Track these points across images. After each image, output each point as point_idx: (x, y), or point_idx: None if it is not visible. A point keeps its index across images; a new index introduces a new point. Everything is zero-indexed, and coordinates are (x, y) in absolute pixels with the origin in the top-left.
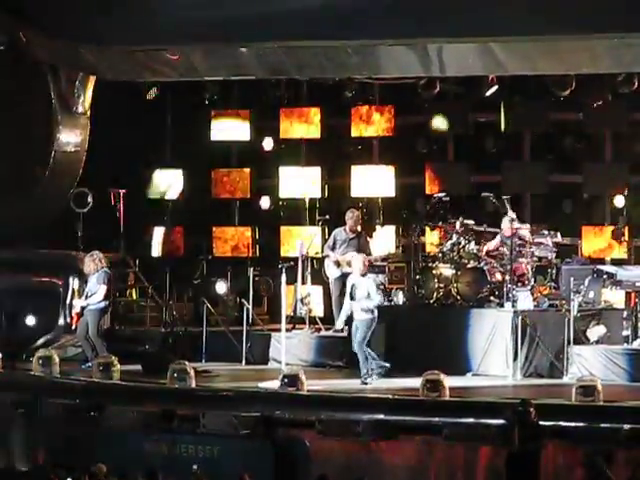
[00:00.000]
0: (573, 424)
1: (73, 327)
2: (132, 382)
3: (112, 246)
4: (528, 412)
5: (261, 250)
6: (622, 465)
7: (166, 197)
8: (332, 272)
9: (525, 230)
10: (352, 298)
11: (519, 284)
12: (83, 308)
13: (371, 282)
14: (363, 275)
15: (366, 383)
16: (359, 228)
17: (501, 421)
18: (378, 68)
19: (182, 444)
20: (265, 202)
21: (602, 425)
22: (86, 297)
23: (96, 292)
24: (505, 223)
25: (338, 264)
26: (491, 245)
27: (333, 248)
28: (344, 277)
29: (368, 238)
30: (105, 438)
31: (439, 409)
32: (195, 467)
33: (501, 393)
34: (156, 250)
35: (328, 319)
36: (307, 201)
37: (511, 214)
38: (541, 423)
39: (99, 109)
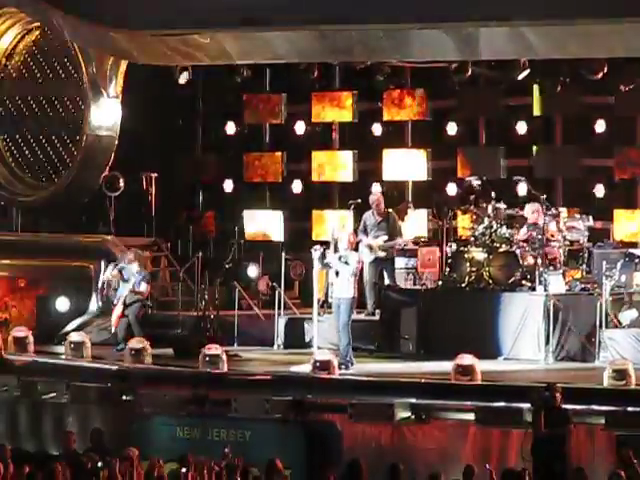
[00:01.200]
0: (605, 408)
1: (113, 330)
2: (164, 366)
3: (144, 230)
4: (554, 396)
5: (292, 234)
6: None
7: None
8: (366, 256)
9: (554, 215)
10: (337, 275)
11: (551, 268)
12: (125, 306)
13: (357, 261)
14: (347, 254)
15: (347, 368)
16: (385, 209)
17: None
18: (410, 52)
19: (214, 428)
20: (297, 186)
21: (634, 409)
22: (127, 294)
23: (140, 290)
24: (530, 208)
25: (371, 248)
26: (521, 234)
27: (365, 232)
28: (378, 261)
29: (398, 219)
30: (137, 422)
31: (470, 393)
32: (227, 449)
33: (533, 377)
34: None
35: (358, 303)
36: (339, 185)
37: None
38: (571, 407)
39: (131, 93)
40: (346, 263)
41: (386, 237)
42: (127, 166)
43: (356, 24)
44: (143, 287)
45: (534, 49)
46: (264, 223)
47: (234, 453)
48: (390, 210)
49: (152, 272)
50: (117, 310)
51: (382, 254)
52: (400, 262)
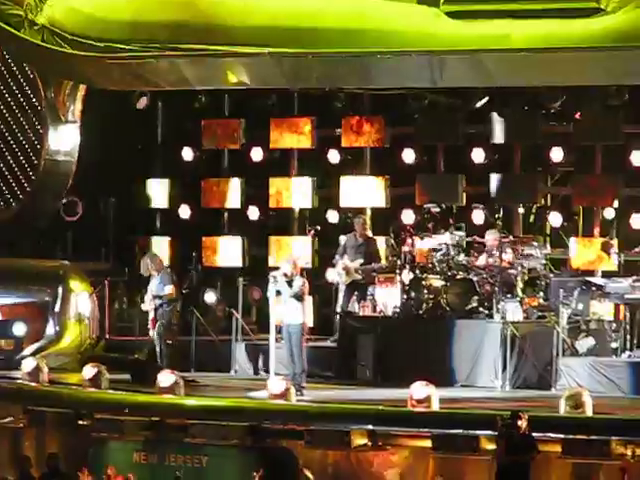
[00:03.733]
0: (561, 436)
1: (151, 332)
2: (121, 391)
3: (101, 255)
4: (516, 424)
5: (250, 260)
6: (611, 477)
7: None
8: (341, 280)
9: (511, 243)
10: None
11: (508, 295)
12: (157, 310)
13: (301, 284)
14: (293, 277)
15: (302, 394)
16: (369, 233)
17: (490, 432)
18: (369, 79)
19: (171, 454)
20: (254, 212)
21: (590, 437)
22: (154, 298)
23: (166, 292)
24: (490, 235)
25: (347, 271)
26: (480, 261)
27: (343, 255)
28: (353, 285)
29: (377, 245)
30: (94, 447)
31: (427, 420)
32: (178, 473)
33: (490, 404)
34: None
35: (318, 329)
36: (297, 211)
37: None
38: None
39: (89, 118)
40: (289, 285)
41: (362, 261)
42: (85, 191)
43: (315, 50)
44: (167, 289)
45: (493, 77)
46: (222, 249)
47: (191, 479)
48: (370, 234)
49: (109, 297)
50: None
51: (358, 277)
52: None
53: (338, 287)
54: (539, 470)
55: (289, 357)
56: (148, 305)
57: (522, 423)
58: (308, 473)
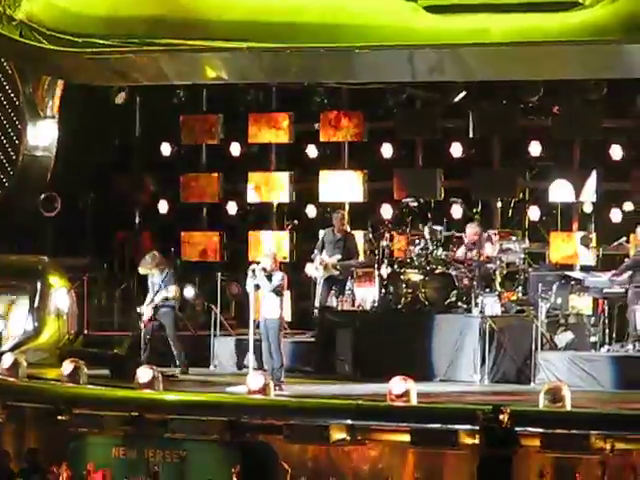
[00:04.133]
0: (541, 430)
1: (143, 331)
2: (100, 386)
3: (79, 250)
4: (498, 418)
5: (229, 255)
6: (591, 471)
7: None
8: (319, 274)
9: (490, 237)
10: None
11: (487, 289)
12: (156, 309)
13: (280, 279)
14: (272, 272)
15: (282, 389)
16: (347, 228)
17: (469, 427)
18: (347, 73)
19: (150, 448)
20: (232, 207)
21: (569, 431)
22: (152, 300)
23: (168, 293)
24: (470, 229)
25: (325, 266)
26: (459, 253)
27: (322, 250)
28: (330, 280)
29: (355, 240)
30: (73, 442)
31: (406, 415)
32: (157, 468)
33: (469, 399)
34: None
35: (296, 324)
36: (275, 206)
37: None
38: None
39: (68, 113)
40: (269, 279)
41: (340, 256)
42: (64, 186)
43: (293, 45)
44: (172, 290)
45: (472, 71)
46: (201, 244)
47: (170, 473)
48: (349, 230)
49: (88, 293)
50: (147, 312)
51: (336, 273)
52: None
53: (317, 282)
54: (518, 464)
55: (267, 352)
56: (147, 305)
57: (504, 417)
58: (285, 465)
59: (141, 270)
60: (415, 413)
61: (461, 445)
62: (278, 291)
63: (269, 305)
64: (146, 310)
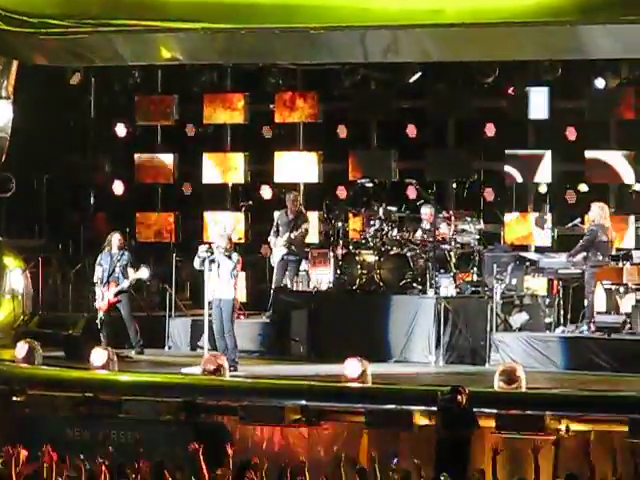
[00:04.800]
0: (495, 411)
1: (102, 313)
2: (55, 367)
3: (34, 231)
4: (456, 399)
5: (184, 236)
6: (545, 452)
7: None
8: (274, 256)
9: (445, 218)
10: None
11: (442, 270)
12: (119, 293)
13: (235, 260)
14: (228, 252)
15: (236, 369)
16: (300, 209)
17: (424, 408)
18: (302, 54)
19: (104, 429)
20: (187, 188)
21: (524, 412)
22: (117, 281)
23: (129, 274)
24: (425, 210)
25: (283, 246)
26: (417, 235)
27: (277, 232)
28: (284, 261)
29: (308, 218)
30: (27, 423)
31: (361, 396)
32: (111, 449)
33: (424, 380)
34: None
35: (251, 305)
36: (230, 187)
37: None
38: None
39: (23, 94)
40: (229, 258)
41: (289, 233)
42: (18, 167)
43: (247, 25)
44: (145, 273)
45: (426, 52)
46: (156, 224)
47: (124, 454)
48: (303, 210)
49: (43, 274)
50: (109, 293)
51: (285, 251)
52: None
53: (272, 263)
54: (473, 445)
55: (220, 334)
56: (106, 286)
57: (462, 398)
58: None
59: (113, 248)
60: (370, 394)
61: (417, 426)
62: (233, 272)
63: (224, 286)
64: (108, 294)
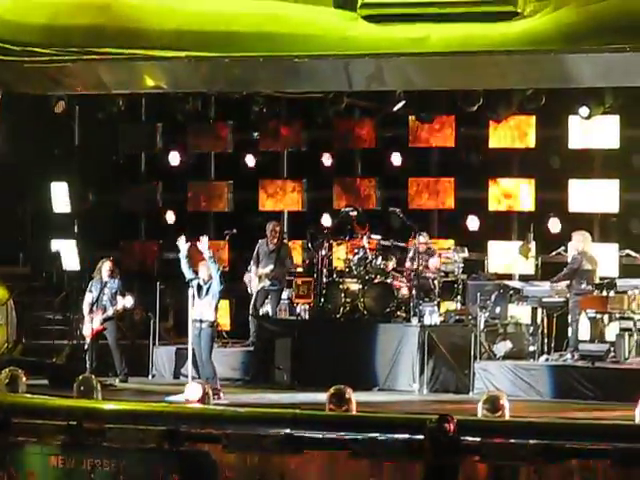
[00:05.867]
0: (479, 439)
1: (89, 340)
2: (39, 395)
3: (18, 259)
4: (442, 427)
5: (167, 265)
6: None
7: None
8: (254, 285)
9: (434, 251)
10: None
11: (426, 299)
12: (105, 320)
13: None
14: (210, 280)
15: (220, 397)
16: (278, 239)
17: (409, 436)
18: (286, 82)
19: (88, 458)
20: (170, 217)
21: (508, 440)
22: (105, 309)
23: (117, 302)
24: (421, 239)
25: (260, 277)
26: (407, 264)
27: (258, 261)
28: (263, 290)
29: (291, 251)
30: (10, 451)
31: (345, 424)
32: (92, 476)
33: (408, 408)
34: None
35: (235, 333)
36: (214, 215)
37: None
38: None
39: (6, 122)
40: (206, 288)
41: (272, 267)
42: (3, 196)
43: (231, 54)
44: (129, 301)
45: (411, 81)
46: (140, 253)
47: None
48: (285, 241)
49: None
50: (96, 321)
51: (268, 283)
52: None
53: (251, 293)
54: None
55: (200, 361)
56: (95, 314)
57: (450, 426)
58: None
59: (103, 276)
60: (354, 422)
61: (402, 455)
62: (214, 295)
63: (205, 306)
64: (95, 321)
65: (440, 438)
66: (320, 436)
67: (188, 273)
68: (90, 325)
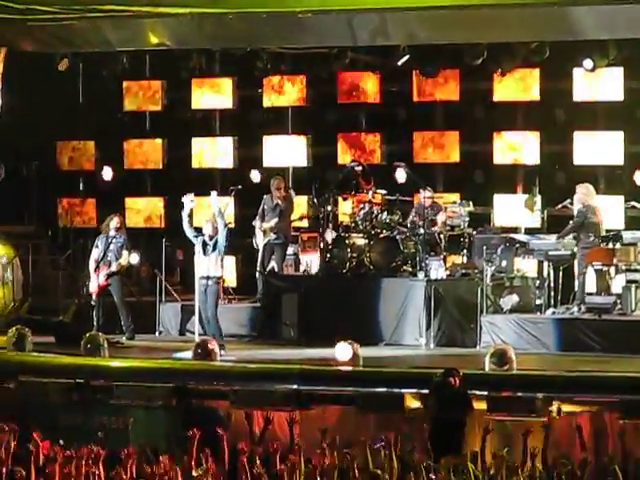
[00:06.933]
0: (486, 393)
1: (95, 297)
2: (45, 354)
3: (23, 218)
4: (447, 381)
5: (173, 221)
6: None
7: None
8: (259, 240)
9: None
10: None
11: (432, 253)
12: (110, 276)
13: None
14: (215, 236)
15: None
16: (284, 194)
17: (416, 390)
18: (290, 38)
19: (95, 415)
20: (177, 172)
21: (516, 394)
22: (110, 264)
23: (124, 258)
24: (425, 193)
25: (265, 232)
26: (411, 217)
27: (263, 216)
28: (269, 246)
29: (294, 204)
30: (18, 409)
31: (352, 379)
32: (100, 434)
33: (414, 362)
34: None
35: (241, 289)
36: (219, 171)
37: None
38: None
39: (11, 80)
40: (213, 244)
41: (277, 220)
42: (7, 154)
43: (235, 10)
44: (135, 258)
45: (414, 35)
46: (145, 210)
47: (117, 440)
48: (292, 194)
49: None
50: (100, 276)
51: (273, 236)
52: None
53: (258, 248)
54: (467, 427)
55: (206, 318)
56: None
57: (456, 380)
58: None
59: (111, 231)
60: (361, 377)
61: (409, 409)
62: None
63: (213, 262)
64: (99, 277)
65: (445, 392)
66: (327, 391)
67: (189, 231)
68: (96, 281)
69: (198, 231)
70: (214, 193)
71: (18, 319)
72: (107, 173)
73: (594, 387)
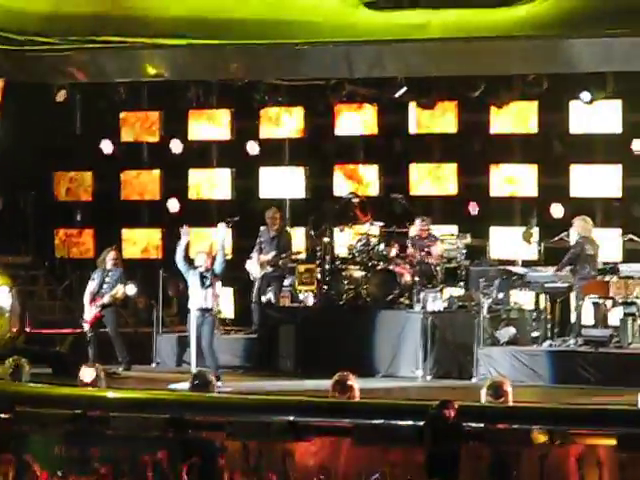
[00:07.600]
0: (482, 425)
1: (87, 328)
2: (42, 384)
3: (20, 249)
4: (442, 413)
5: (170, 253)
6: (531, 465)
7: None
8: (256, 272)
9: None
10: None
11: (429, 285)
12: (104, 307)
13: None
14: (210, 268)
15: (221, 384)
16: (283, 225)
17: (412, 422)
18: (288, 70)
19: (92, 446)
20: (174, 204)
21: (511, 426)
22: (103, 296)
23: (129, 291)
24: (421, 224)
25: (262, 265)
26: (408, 250)
27: (260, 249)
28: (266, 278)
29: (292, 237)
30: (15, 440)
31: (348, 411)
32: (97, 465)
33: (411, 394)
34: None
35: (238, 320)
36: (216, 203)
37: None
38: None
39: (9, 111)
40: (206, 277)
41: (274, 253)
42: (5, 185)
43: (233, 41)
44: (132, 289)
45: (412, 67)
46: (142, 241)
47: (112, 470)
48: (287, 228)
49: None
50: (94, 308)
51: (269, 269)
52: None
53: (254, 280)
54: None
55: (202, 349)
56: (92, 303)
57: (450, 412)
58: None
59: (108, 264)
60: (358, 409)
61: (405, 441)
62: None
63: (208, 295)
64: (93, 308)
65: (440, 424)
66: (323, 423)
67: (182, 264)
68: (90, 313)
69: (190, 263)
70: (222, 225)
71: (15, 349)
72: (105, 204)
73: (590, 420)
